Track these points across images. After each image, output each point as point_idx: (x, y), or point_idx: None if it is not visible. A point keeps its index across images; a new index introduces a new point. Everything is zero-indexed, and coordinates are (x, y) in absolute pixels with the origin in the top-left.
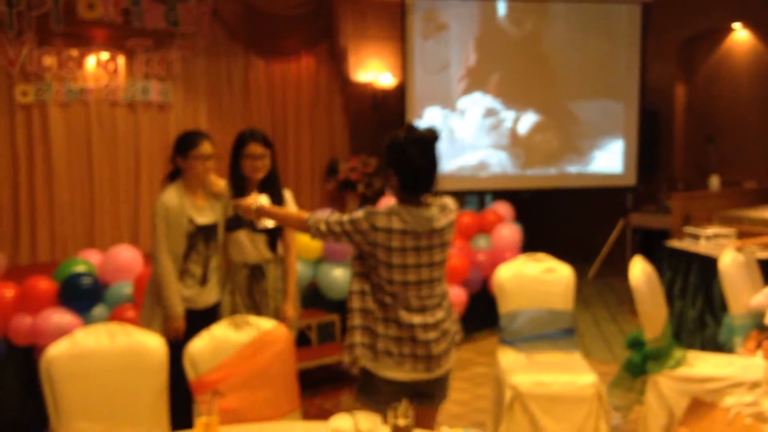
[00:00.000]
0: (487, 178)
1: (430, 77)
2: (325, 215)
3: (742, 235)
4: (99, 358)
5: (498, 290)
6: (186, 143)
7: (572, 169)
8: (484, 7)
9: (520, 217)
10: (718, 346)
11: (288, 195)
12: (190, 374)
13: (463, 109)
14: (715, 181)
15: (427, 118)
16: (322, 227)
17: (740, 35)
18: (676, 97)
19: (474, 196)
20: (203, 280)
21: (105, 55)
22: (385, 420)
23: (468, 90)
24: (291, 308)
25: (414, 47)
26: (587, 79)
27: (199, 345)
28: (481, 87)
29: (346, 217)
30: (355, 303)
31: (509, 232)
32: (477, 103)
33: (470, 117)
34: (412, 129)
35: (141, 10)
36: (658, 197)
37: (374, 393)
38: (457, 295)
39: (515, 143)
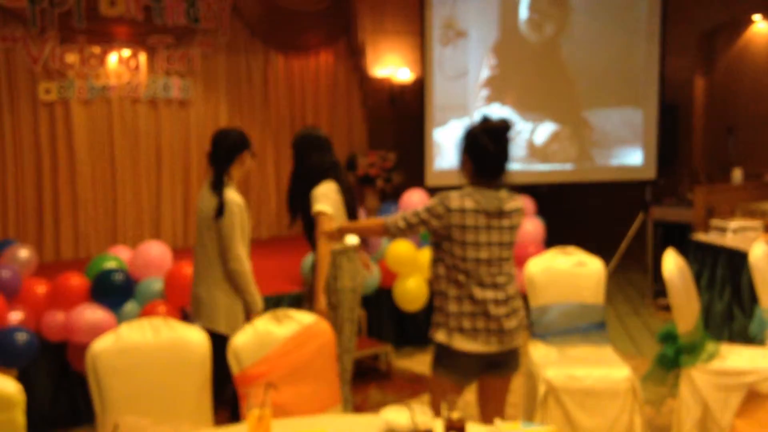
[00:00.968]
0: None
1: (449, 83)
2: (400, 214)
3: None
4: (143, 352)
5: (528, 284)
6: (244, 142)
7: (591, 163)
8: (504, 13)
9: (539, 211)
10: (746, 338)
11: (319, 191)
12: (235, 368)
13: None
14: (737, 174)
15: (448, 126)
16: (401, 224)
17: (760, 27)
18: (695, 90)
19: None
20: None
21: (127, 52)
22: (449, 406)
23: (485, 99)
24: (318, 303)
25: (433, 51)
26: (607, 79)
27: (243, 339)
28: (498, 96)
29: (420, 208)
30: (434, 286)
31: (532, 226)
32: (495, 113)
33: None
34: (486, 119)
35: (162, 6)
36: (679, 190)
37: (449, 364)
38: None
39: (533, 153)
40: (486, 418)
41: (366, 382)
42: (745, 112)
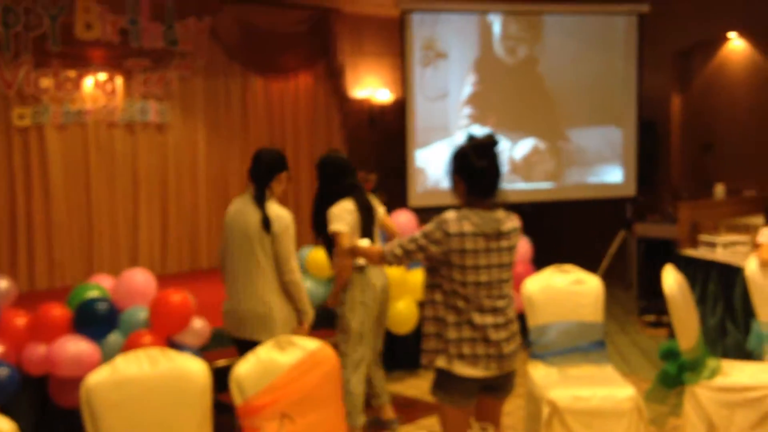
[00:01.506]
0: None
1: (430, 104)
2: (397, 242)
3: (756, 243)
4: (141, 385)
5: (527, 303)
6: (284, 162)
7: (572, 181)
8: (483, 34)
9: (523, 230)
10: (740, 353)
11: (334, 211)
12: (237, 399)
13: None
14: (720, 190)
15: (430, 147)
16: (398, 251)
17: (736, 44)
18: (672, 108)
19: None
20: None
21: (103, 76)
22: None
23: (467, 119)
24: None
25: (414, 72)
26: (585, 98)
27: (245, 368)
28: (480, 116)
29: (417, 234)
30: (429, 312)
31: (521, 245)
32: (478, 131)
33: None
34: (472, 137)
35: (139, 29)
36: (662, 207)
37: (451, 389)
38: None
39: (514, 172)
40: None
41: None
42: (722, 128)
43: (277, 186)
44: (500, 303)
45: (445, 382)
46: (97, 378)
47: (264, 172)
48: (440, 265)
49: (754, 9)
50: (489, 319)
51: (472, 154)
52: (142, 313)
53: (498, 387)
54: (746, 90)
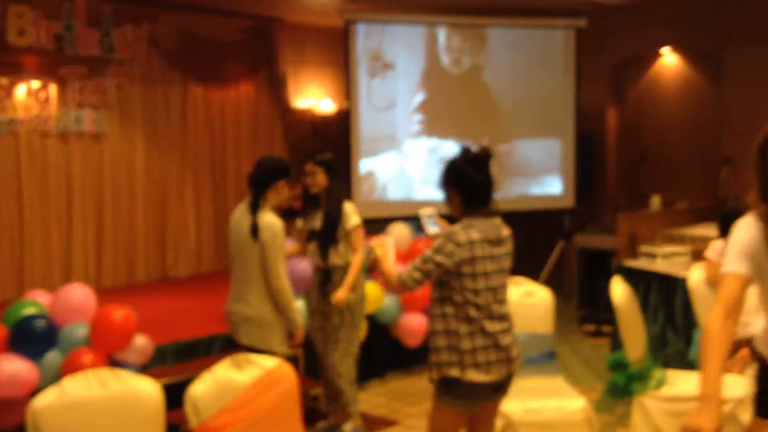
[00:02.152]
0: (425, 202)
1: (378, 114)
2: (410, 266)
3: (696, 254)
4: (90, 407)
5: None
6: (284, 169)
7: (513, 192)
8: (429, 45)
9: None
10: (681, 362)
11: (348, 207)
12: (192, 420)
13: (411, 148)
14: (656, 201)
15: (376, 157)
16: (417, 275)
17: (668, 60)
18: (608, 121)
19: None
20: None
21: (36, 84)
22: None
23: (414, 129)
24: (342, 292)
25: (359, 83)
26: (527, 110)
27: (201, 388)
28: (427, 127)
29: (428, 252)
30: (438, 325)
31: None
32: (424, 142)
33: (417, 156)
34: (466, 150)
35: (74, 36)
36: (600, 217)
37: (461, 395)
38: (419, 322)
39: None
40: None
41: (312, 421)
42: (656, 141)
43: (274, 194)
44: (504, 309)
45: (457, 389)
46: (44, 401)
47: (260, 180)
48: (450, 278)
49: (684, 26)
50: (498, 326)
51: (468, 168)
52: (81, 331)
53: (501, 388)
54: (678, 104)
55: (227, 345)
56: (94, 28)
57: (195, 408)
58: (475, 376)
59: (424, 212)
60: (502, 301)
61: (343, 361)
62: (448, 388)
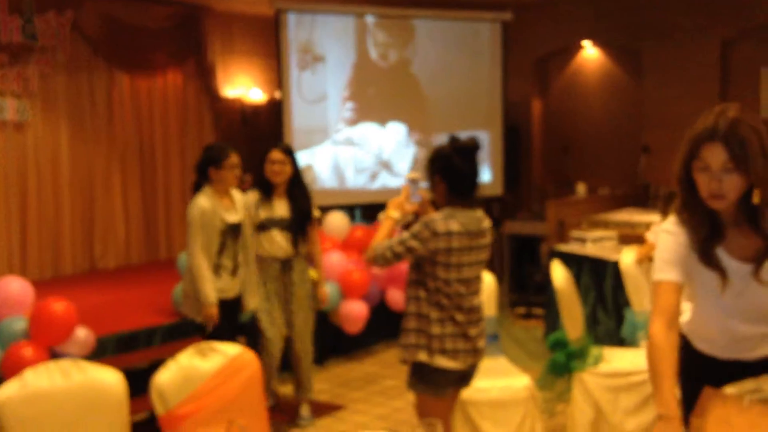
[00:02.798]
0: (352, 191)
1: (309, 107)
2: (386, 244)
3: (623, 238)
4: (53, 399)
5: None
6: (220, 155)
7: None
8: (359, 37)
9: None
10: (612, 340)
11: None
12: (159, 409)
13: (343, 139)
14: (582, 189)
15: (309, 149)
16: (388, 254)
17: (590, 53)
18: (533, 112)
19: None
20: (234, 272)
21: None
22: None
23: (346, 122)
24: (323, 290)
25: (290, 75)
26: (456, 102)
27: (167, 376)
28: (358, 119)
29: (405, 235)
30: (411, 307)
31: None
32: (355, 132)
33: (349, 147)
34: (455, 140)
35: None
36: (528, 205)
37: (429, 380)
38: (359, 309)
39: (392, 175)
40: None
41: None
42: (578, 131)
43: (219, 176)
44: (476, 301)
45: (426, 375)
46: (6, 393)
47: (198, 167)
48: (425, 263)
49: (604, 21)
50: (467, 317)
51: (455, 156)
52: (20, 324)
53: (465, 378)
54: (599, 95)
55: (168, 336)
56: (15, 14)
57: (161, 397)
58: (443, 362)
59: (411, 177)
60: (474, 293)
61: (312, 346)
62: (420, 376)
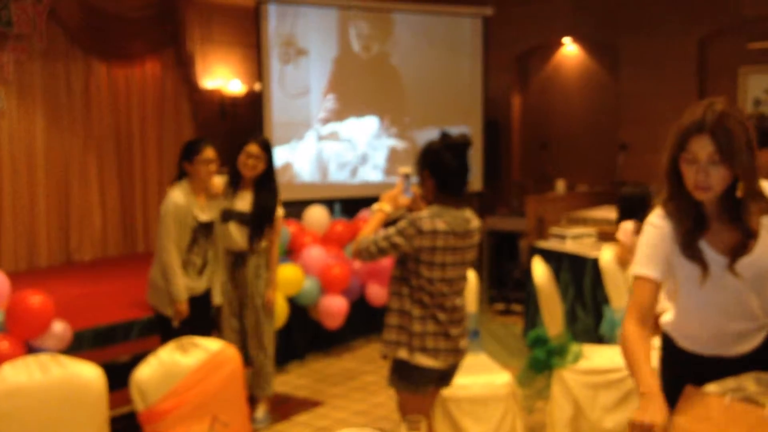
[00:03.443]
0: (332, 185)
1: (290, 101)
2: (371, 239)
3: (601, 235)
4: (32, 394)
5: None
6: (191, 150)
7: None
8: (341, 31)
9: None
10: (590, 337)
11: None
12: (139, 405)
13: (324, 133)
14: (561, 185)
15: (290, 144)
16: (373, 249)
17: (569, 50)
18: (513, 108)
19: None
20: (202, 270)
21: None
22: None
23: (328, 116)
24: (272, 293)
25: (271, 68)
26: (436, 97)
27: (147, 372)
28: (341, 113)
29: (391, 230)
30: (394, 303)
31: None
32: (337, 127)
33: (331, 141)
34: (446, 136)
35: None
36: (508, 201)
37: (410, 378)
38: (339, 304)
39: (372, 169)
40: None
41: None
42: (557, 128)
43: (193, 171)
44: (458, 301)
45: (406, 372)
46: None
47: (178, 162)
48: (409, 260)
49: (582, 17)
50: (449, 317)
51: (445, 153)
52: None
53: (445, 377)
54: (578, 91)
55: (145, 330)
56: None
57: (141, 392)
58: (423, 360)
59: (404, 171)
60: (457, 293)
61: (272, 343)
62: (400, 373)
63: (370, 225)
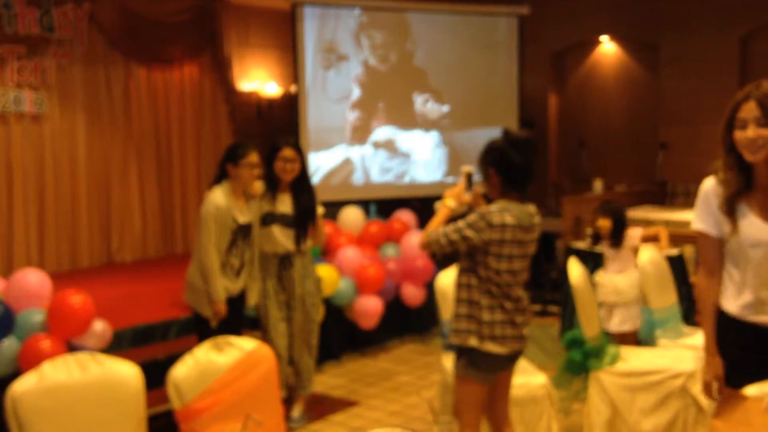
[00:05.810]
0: (367, 186)
1: (331, 105)
2: (441, 230)
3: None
4: (70, 391)
5: (440, 297)
6: (237, 153)
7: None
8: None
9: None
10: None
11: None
12: (176, 403)
13: (362, 137)
14: (598, 185)
15: (329, 150)
16: (443, 241)
17: (607, 48)
18: (549, 107)
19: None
20: (239, 271)
21: None
22: None
23: (366, 119)
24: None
25: (306, 71)
26: (471, 96)
27: (183, 371)
28: (380, 118)
29: (461, 223)
30: (463, 294)
31: (418, 239)
32: (375, 133)
33: (370, 145)
34: (508, 134)
35: (12, 14)
36: (545, 201)
37: (477, 364)
38: (374, 304)
39: (408, 170)
40: (496, 411)
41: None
42: (594, 127)
43: (236, 173)
44: (521, 291)
45: (476, 359)
46: (24, 386)
47: (220, 163)
48: (477, 252)
49: (622, 15)
50: (515, 305)
51: (510, 150)
52: (38, 316)
53: (512, 360)
54: (616, 90)
55: (183, 330)
56: (33, 6)
57: (178, 391)
58: (492, 347)
59: (466, 170)
60: (521, 284)
61: (317, 342)
62: (469, 360)
63: (436, 220)
